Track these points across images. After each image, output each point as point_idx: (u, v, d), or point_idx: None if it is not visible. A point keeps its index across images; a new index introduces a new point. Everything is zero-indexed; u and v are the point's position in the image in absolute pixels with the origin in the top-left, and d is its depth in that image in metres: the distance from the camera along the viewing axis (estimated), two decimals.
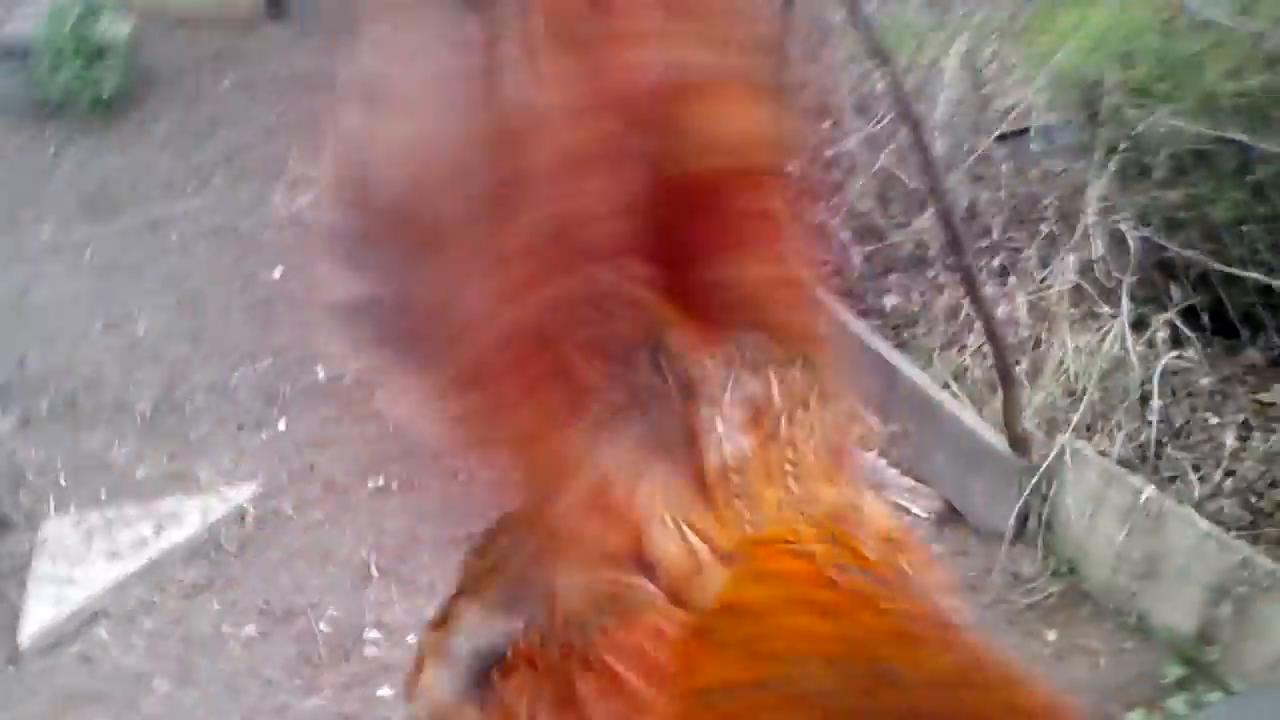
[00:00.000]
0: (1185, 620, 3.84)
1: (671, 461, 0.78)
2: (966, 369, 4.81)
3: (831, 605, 0.72)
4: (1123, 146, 4.46)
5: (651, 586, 0.77)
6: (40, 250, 6.22)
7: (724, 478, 0.79)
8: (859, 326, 5.14)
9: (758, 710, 0.70)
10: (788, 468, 0.80)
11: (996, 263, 5.30)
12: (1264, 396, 4.78)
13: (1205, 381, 4.72)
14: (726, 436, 0.79)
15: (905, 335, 5.36)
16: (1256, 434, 4.40)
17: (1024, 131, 6.25)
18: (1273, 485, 4.28)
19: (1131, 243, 4.31)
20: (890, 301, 5.71)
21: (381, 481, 4.58)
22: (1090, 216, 4.42)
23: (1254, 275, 4.14)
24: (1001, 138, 5.94)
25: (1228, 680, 3.71)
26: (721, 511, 0.78)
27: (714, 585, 0.75)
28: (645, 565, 0.77)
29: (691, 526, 0.77)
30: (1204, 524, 3.78)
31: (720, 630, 0.74)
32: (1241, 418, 4.62)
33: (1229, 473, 4.27)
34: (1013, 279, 4.97)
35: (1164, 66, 4.75)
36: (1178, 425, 4.55)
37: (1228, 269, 4.28)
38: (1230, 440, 4.40)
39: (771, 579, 0.76)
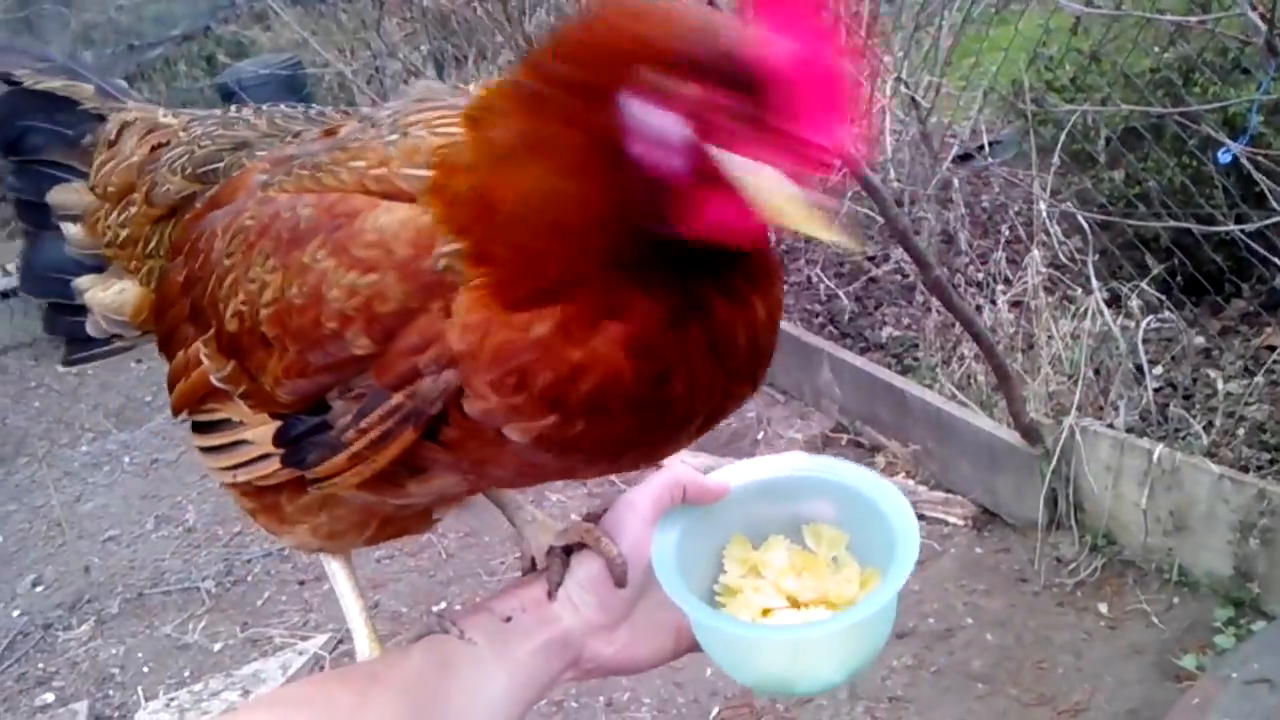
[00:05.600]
0: (1221, 563, 3.97)
1: None
2: (970, 378, 5.01)
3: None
4: (1062, 141, 4.71)
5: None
6: (83, 465, 6.54)
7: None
8: (863, 362, 5.36)
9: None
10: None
11: (977, 274, 5.55)
12: (1257, 341, 4.94)
13: (1199, 340, 4.92)
14: None
15: (908, 360, 5.58)
16: (1260, 378, 4.55)
17: (978, 149, 6.56)
18: None
19: (1085, 225, 4.53)
20: (887, 332, 5.95)
21: (444, 605, 4.77)
22: (1043, 210, 4.65)
23: (1214, 229, 4.31)
24: (957, 160, 6.24)
25: (1272, 609, 3.83)
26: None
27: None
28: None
29: None
30: (1216, 468, 3.93)
31: (455, 168, 1.07)
32: (1242, 365, 4.79)
33: (1237, 418, 4.42)
34: (999, 287, 5.19)
35: (1081, 61, 5.05)
36: (1181, 386, 4.72)
37: (1184, 228, 4.46)
38: (1234, 388, 4.56)
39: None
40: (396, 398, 1.11)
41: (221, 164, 1.42)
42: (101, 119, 1.58)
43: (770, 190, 0.92)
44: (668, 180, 0.95)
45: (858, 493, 1.31)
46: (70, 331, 1.62)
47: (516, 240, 1.03)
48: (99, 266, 1.57)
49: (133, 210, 1.50)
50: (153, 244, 1.48)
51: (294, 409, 1.22)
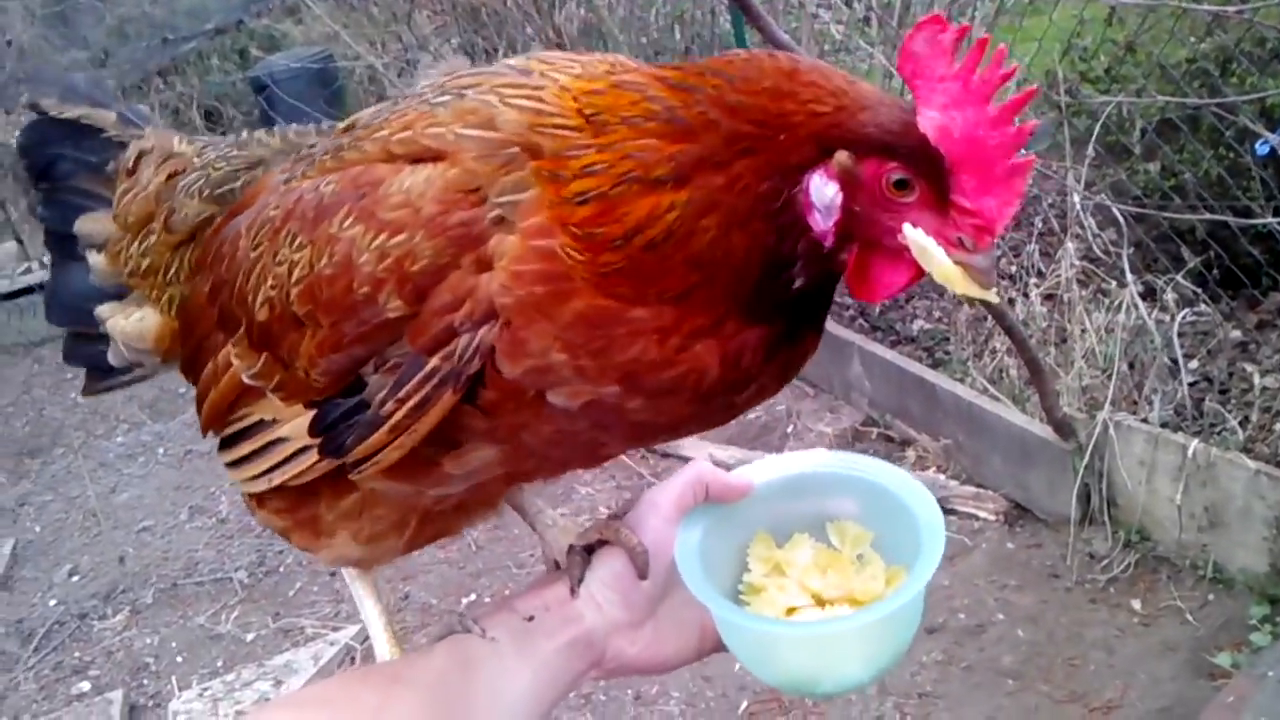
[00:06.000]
0: (1257, 560, 3.92)
1: None
2: (1002, 372, 4.97)
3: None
4: (1096, 132, 4.65)
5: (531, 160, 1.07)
6: (117, 457, 6.62)
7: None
8: (893, 355, 5.33)
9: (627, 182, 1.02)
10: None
11: (1009, 267, 5.50)
12: None
13: (1235, 334, 4.85)
14: None
15: (939, 354, 5.54)
16: None
17: None
18: None
19: (1120, 218, 4.48)
20: (918, 325, 5.91)
21: (473, 597, 4.79)
22: (1077, 202, 4.60)
23: (1251, 221, 4.25)
24: None
25: None
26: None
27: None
28: (530, 148, 1.08)
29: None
30: (1252, 464, 3.88)
31: (569, 164, 1.05)
32: (1279, 360, 4.72)
33: (1273, 413, 4.35)
34: (1032, 280, 5.14)
35: (1116, 51, 4.99)
36: (1217, 380, 4.66)
37: (1220, 221, 4.40)
38: (1270, 382, 4.50)
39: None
40: (433, 361, 1.10)
41: (238, 184, 1.43)
42: (123, 146, 1.60)
43: (932, 256, 1.00)
44: (831, 242, 1.02)
45: (883, 489, 1.29)
46: (92, 360, 1.63)
47: (641, 256, 1.02)
48: (119, 294, 1.58)
49: (152, 239, 1.51)
50: (173, 270, 1.49)
51: (328, 393, 1.21)
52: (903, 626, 1.20)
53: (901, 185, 1.00)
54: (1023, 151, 0.99)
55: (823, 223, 1.01)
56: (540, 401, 1.11)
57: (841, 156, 0.99)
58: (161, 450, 6.57)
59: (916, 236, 1.01)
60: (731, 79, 1.02)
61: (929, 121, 0.98)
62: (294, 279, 1.19)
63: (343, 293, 1.14)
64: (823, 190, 1.00)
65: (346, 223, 1.15)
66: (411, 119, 1.17)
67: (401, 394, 1.13)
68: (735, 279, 1.02)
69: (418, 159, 1.13)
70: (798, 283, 1.04)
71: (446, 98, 1.16)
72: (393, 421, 1.15)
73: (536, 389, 1.10)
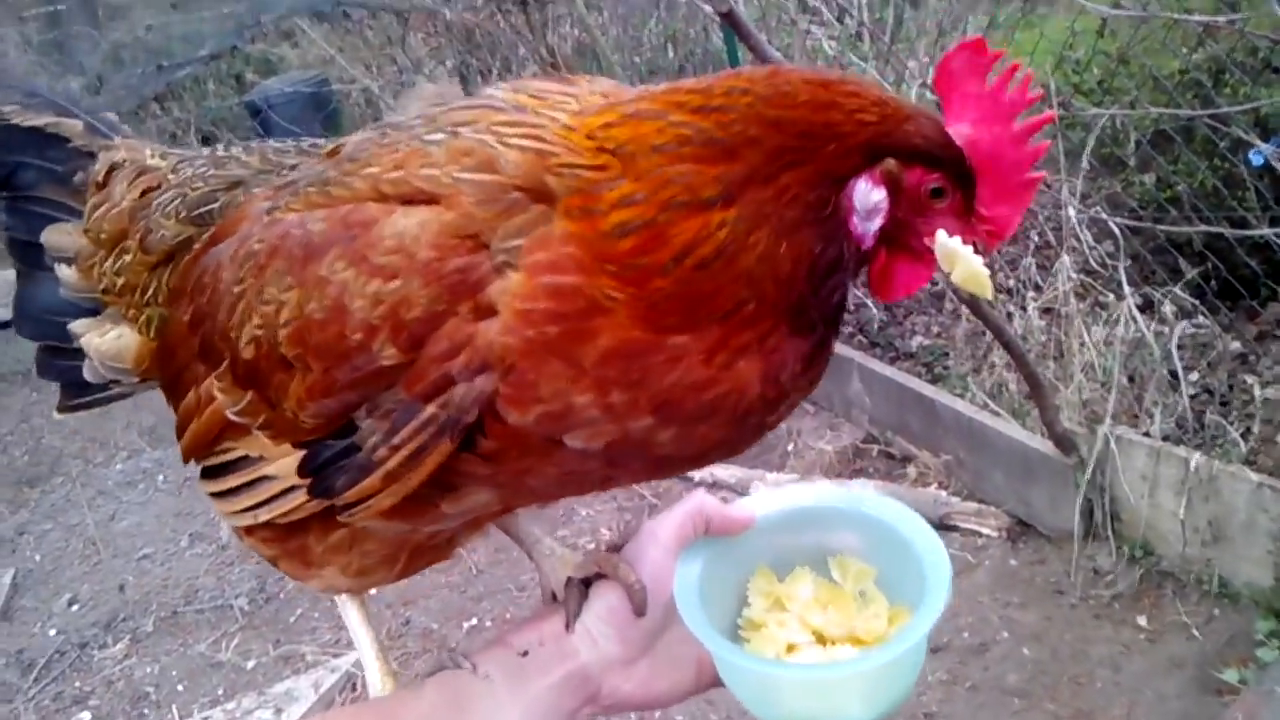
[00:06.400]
0: (1262, 574, 3.90)
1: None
2: (1001, 386, 4.95)
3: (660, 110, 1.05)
4: (1091, 145, 4.65)
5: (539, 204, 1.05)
6: (117, 484, 6.59)
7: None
8: (892, 371, 5.31)
9: (669, 210, 1.01)
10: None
11: (1006, 281, 5.49)
12: None
13: (1235, 345, 4.83)
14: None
15: (938, 369, 5.52)
16: None
17: None
18: None
19: (1116, 230, 4.47)
20: (917, 341, 5.90)
21: (475, 621, 4.77)
22: (1073, 215, 4.60)
23: (1247, 232, 4.24)
24: None
25: None
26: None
27: (573, 170, 1.05)
28: (536, 191, 1.06)
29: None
30: (1255, 476, 3.86)
31: (604, 198, 1.03)
32: (1279, 370, 4.70)
33: (1275, 424, 4.33)
34: (1029, 294, 5.12)
35: (1109, 63, 4.99)
36: (1217, 392, 4.64)
37: (1217, 232, 4.39)
38: (1271, 393, 4.47)
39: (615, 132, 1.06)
40: (429, 409, 1.08)
41: (217, 204, 1.38)
42: (92, 156, 1.54)
43: (964, 259, 1.05)
44: (869, 244, 1.07)
45: (889, 526, 1.28)
46: (66, 376, 1.56)
47: (692, 276, 1.01)
48: (94, 309, 1.53)
49: (128, 258, 1.46)
50: (150, 291, 1.44)
51: (317, 434, 1.18)
52: (907, 669, 1.19)
53: (937, 193, 1.05)
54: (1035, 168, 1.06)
55: (863, 226, 1.05)
56: (548, 446, 1.09)
57: (890, 164, 1.03)
58: (161, 477, 6.55)
59: (949, 241, 1.06)
60: (765, 95, 1.02)
61: (959, 134, 1.04)
62: (282, 320, 1.16)
63: (335, 338, 1.11)
64: (868, 196, 1.03)
65: (338, 265, 1.11)
66: (403, 157, 1.14)
67: (396, 440, 1.11)
68: (783, 289, 1.03)
69: (410, 200, 1.10)
70: (845, 288, 1.08)
71: (440, 135, 1.13)
72: (386, 469, 1.12)
73: (549, 435, 1.08)
